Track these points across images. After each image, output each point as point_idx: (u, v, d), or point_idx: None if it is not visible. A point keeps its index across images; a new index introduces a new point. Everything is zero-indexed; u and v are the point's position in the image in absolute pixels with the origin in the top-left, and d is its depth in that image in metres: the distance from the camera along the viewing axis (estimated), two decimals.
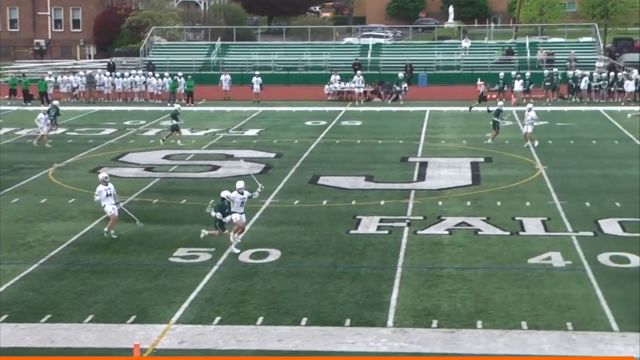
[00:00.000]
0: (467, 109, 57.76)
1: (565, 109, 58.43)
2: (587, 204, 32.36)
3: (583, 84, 62.14)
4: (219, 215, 26.33)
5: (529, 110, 45.00)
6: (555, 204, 32.48)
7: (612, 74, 63.96)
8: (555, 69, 66.06)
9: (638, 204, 32.00)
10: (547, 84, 62.38)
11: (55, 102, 50.75)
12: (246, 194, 27.03)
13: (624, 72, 64.95)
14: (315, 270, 25.20)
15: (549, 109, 58.11)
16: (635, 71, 64.25)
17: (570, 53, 74.27)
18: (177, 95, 63.08)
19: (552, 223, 29.87)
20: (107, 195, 28.44)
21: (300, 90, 68.81)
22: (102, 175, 29.20)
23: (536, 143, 43.87)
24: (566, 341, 20.01)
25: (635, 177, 36.72)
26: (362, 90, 63.57)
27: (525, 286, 23.50)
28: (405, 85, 64.13)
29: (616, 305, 22.07)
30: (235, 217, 26.77)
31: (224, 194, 26.65)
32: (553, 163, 39.87)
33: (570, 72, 65.24)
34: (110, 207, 28.32)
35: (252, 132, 50.45)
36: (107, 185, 28.60)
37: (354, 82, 63.94)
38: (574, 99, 62.31)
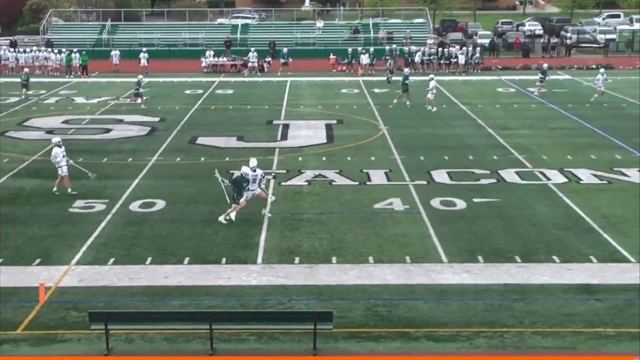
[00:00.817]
0: (325, 78, 57.96)
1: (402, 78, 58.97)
2: (422, 157, 32.85)
3: (417, 58, 62.85)
4: (226, 182, 24.32)
5: (431, 79, 45.57)
6: (396, 158, 32.87)
7: (440, 49, 64.96)
8: (394, 45, 66.72)
9: (462, 157, 32.66)
10: (387, 57, 62.89)
11: None
12: (259, 172, 24.55)
13: (453, 48, 65.86)
14: (196, 217, 24.98)
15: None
16: (464, 47, 65.20)
17: (406, 32, 75.02)
18: (73, 69, 61.69)
19: (393, 174, 30.24)
20: (63, 156, 27.49)
21: (180, 63, 67.84)
22: (56, 139, 28.18)
23: (435, 109, 44.16)
24: (405, 272, 20.34)
25: (459, 135, 37.43)
26: (255, 64, 62.66)
27: (371, 227, 23.78)
28: (269, 59, 63.97)
29: (445, 241, 22.52)
30: (249, 195, 24.19)
31: (244, 169, 24.33)
32: (393, 124, 40.31)
33: (406, 48, 65.98)
34: (65, 168, 27.38)
35: (138, 99, 49.50)
36: (61, 148, 27.64)
37: (249, 57, 63.07)
38: (410, 70, 62.98)
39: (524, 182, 29.12)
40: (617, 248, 21.95)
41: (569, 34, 78.23)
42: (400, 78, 48.05)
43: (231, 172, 27.20)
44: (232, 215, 24.30)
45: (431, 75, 47.57)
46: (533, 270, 20.37)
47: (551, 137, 36.97)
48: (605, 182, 28.96)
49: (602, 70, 49.79)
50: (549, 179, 29.38)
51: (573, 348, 16.39)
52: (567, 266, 20.66)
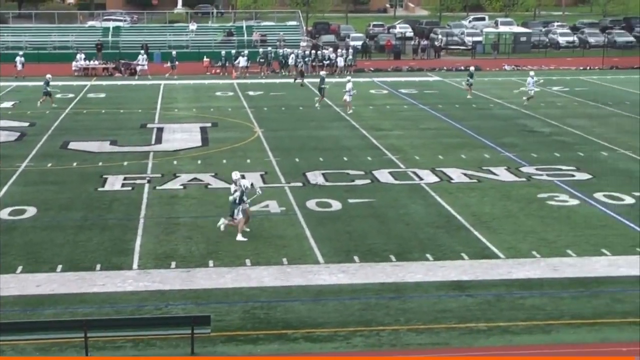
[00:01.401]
0: (199, 81, 57.57)
1: (277, 81, 59.15)
2: (297, 159, 32.98)
3: (291, 60, 63.07)
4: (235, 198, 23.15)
5: (348, 81, 45.69)
6: (271, 160, 32.91)
7: (314, 51, 65.33)
8: (269, 48, 66.74)
9: (336, 159, 32.95)
10: (261, 60, 62.88)
11: None
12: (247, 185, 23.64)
13: (326, 50, 66.26)
14: (69, 223, 24.44)
15: (263, 81, 58.72)
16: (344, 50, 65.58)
17: (280, 35, 75.21)
18: None
19: (269, 176, 30.27)
20: None
21: (51, 67, 66.16)
22: None
23: (350, 110, 44.26)
24: (282, 274, 20.38)
25: (334, 136, 37.74)
26: (145, 67, 61.54)
27: (249, 230, 23.71)
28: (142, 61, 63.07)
29: (321, 242, 22.68)
30: (245, 206, 23.24)
31: (244, 182, 23.42)
32: (268, 126, 40.34)
33: (280, 51, 66.13)
34: None
35: (7, 104, 48.11)
36: None
37: (139, 60, 61.90)
38: (283, 73, 63.17)
39: (397, 182, 29.58)
40: (487, 245, 22.53)
41: (438, 36, 79.98)
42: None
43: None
44: (245, 229, 23.22)
45: (348, 77, 47.94)
46: (407, 269, 20.72)
47: (423, 138, 37.68)
48: (475, 180, 29.69)
49: (531, 73, 49.08)
50: (421, 179, 29.93)
51: (446, 344, 16.75)
52: (440, 264, 21.10)
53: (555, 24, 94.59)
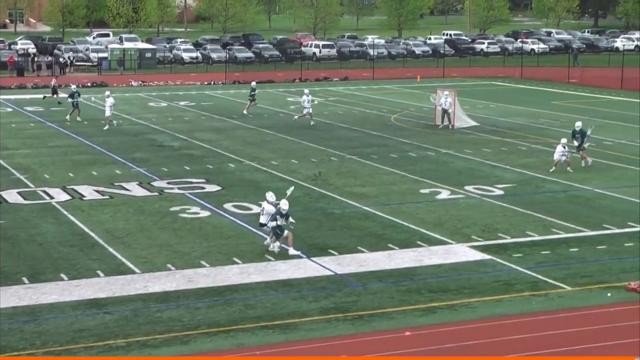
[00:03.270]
0: None
1: None
2: None
3: None
4: (273, 224, 22.95)
5: (108, 96, 44.78)
6: None
7: None
8: None
9: None
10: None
11: None
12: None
13: None
14: None
15: None
16: None
17: None
18: None
19: None
20: None
21: None
22: None
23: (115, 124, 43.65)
24: None
25: None
26: None
27: None
28: None
29: None
30: (271, 224, 23.13)
31: (283, 204, 22.96)
32: None
33: None
34: None
35: None
36: None
37: None
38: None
39: (27, 202, 28.57)
40: (123, 260, 22.40)
41: (62, 53, 78.33)
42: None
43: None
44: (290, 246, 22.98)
45: (107, 92, 46.72)
46: (41, 290, 20.04)
47: (52, 156, 36.71)
48: (107, 197, 29.41)
49: (306, 91, 46.91)
50: (52, 198, 29.14)
51: None
52: (76, 282, 20.63)
53: (179, 40, 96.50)
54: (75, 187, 30.62)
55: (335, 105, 54.82)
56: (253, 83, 51.65)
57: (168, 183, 31.63)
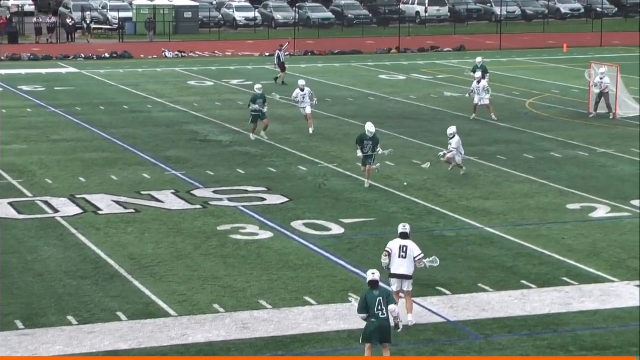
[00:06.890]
0: None
1: None
2: None
3: None
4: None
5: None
6: None
7: None
8: None
9: None
10: None
11: None
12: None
13: None
14: None
15: None
16: None
17: None
18: None
19: None
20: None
21: None
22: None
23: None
24: None
25: None
26: None
27: None
28: None
29: None
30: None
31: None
32: None
33: None
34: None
35: None
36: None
37: None
38: None
39: (22, 216, 29.12)
40: (152, 298, 22.65)
41: (70, 11, 79.37)
42: None
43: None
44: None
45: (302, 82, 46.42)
46: (42, 339, 20.34)
47: (56, 153, 37.31)
48: (131, 210, 29.81)
49: (301, 82, 42.03)
50: (56, 211, 29.64)
51: None
52: (88, 328, 20.91)
53: None
54: (88, 197, 31.11)
55: (446, 85, 54.77)
56: (257, 86, 41.07)
57: (215, 192, 31.93)
